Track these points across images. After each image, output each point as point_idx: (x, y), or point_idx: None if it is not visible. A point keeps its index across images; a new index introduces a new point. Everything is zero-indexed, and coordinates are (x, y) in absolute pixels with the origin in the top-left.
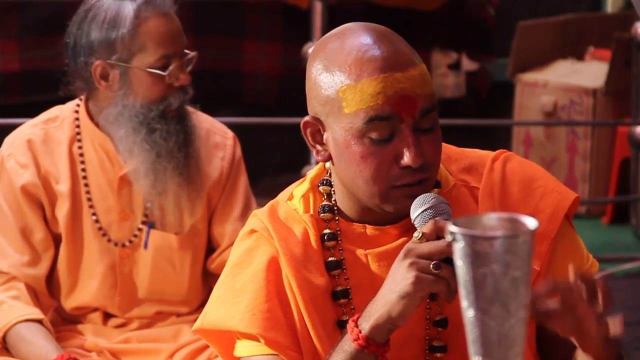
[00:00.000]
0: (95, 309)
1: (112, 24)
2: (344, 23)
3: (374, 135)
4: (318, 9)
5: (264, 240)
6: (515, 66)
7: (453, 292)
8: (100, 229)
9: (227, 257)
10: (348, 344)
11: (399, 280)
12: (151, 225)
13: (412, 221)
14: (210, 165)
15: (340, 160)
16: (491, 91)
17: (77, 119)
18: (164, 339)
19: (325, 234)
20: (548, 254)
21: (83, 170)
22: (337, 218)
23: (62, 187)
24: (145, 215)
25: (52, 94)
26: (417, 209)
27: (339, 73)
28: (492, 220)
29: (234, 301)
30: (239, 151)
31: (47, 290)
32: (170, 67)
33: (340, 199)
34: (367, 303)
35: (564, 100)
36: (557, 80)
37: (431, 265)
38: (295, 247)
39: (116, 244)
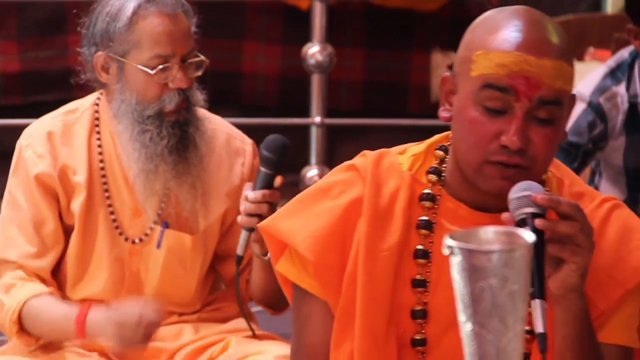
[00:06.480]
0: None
1: (113, 17)
2: (344, 24)
3: (487, 103)
4: (318, 9)
5: (358, 180)
6: None
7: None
8: (114, 221)
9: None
10: None
11: None
12: (166, 225)
13: (508, 203)
14: (231, 171)
15: (456, 122)
16: None
17: (96, 111)
18: (165, 339)
19: (425, 193)
20: (618, 302)
21: (101, 161)
22: (441, 185)
23: (79, 177)
24: (158, 215)
25: (52, 94)
26: (518, 192)
27: (481, 39)
28: (489, 234)
29: (305, 221)
30: (257, 157)
31: (53, 281)
32: (165, 67)
33: (450, 168)
34: (444, 269)
35: None
36: None
37: None
38: (382, 199)
39: (127, 239)
